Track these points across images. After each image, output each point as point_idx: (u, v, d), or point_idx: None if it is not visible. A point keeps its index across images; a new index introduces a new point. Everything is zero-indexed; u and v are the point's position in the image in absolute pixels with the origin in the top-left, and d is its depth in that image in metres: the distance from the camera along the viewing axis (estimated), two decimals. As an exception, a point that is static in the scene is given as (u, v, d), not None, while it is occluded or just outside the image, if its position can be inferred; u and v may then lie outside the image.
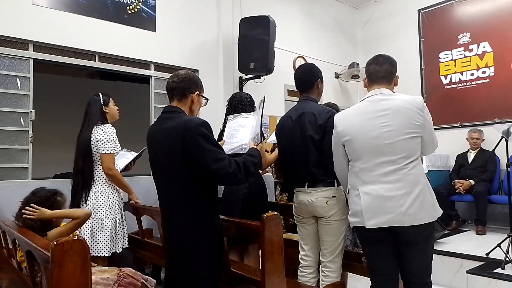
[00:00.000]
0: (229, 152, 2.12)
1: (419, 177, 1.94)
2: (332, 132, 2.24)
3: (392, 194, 1.91)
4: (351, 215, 2.09)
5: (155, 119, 2.21)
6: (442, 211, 2.04)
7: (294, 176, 2.51)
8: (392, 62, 2.13)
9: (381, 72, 2.09)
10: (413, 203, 1.89)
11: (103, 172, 2.83)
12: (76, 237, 1.39)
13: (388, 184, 1.93)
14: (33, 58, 3.45)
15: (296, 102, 2.59)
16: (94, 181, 2.82)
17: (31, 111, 3.39)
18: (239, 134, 2.26)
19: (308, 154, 2.35)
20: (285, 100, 5.54)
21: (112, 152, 2.82)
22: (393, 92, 2.15)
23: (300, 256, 2.53)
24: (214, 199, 1.96)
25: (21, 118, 3.36)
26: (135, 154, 3.33)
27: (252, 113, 2.41)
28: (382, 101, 2.01)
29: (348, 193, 2.13)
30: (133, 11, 4.07)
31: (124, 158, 3.26)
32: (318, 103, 2.56)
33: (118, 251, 2.85)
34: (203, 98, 2.09)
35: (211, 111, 3.50)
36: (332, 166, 2.27)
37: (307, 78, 2.53)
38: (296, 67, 5.59)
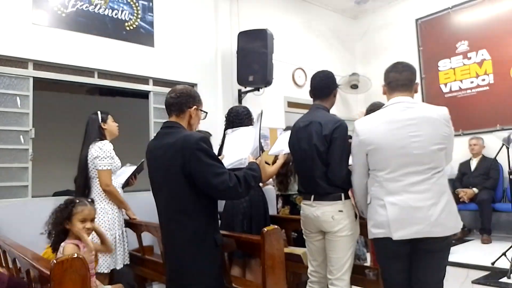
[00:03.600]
0: (229, 167, 2.10)
1: (444, 187, 1.91)
2: (338, 143, 2.20)
3: (420, 204, 1.86)
4: (373, 226, 2.00)
5: (154, 134, 2.20)
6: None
7: (302, 187, 2.44)
8: (412, 69, 2.09)
9: (401, 80, 2.04)
10: (441, 213, 1.85)
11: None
12: (76, 255, 1.38)
13: (416, 194, 1.88)
14: (33, 77, 3.47)
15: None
16: (92, 197, 2.80)
17: (31, 129, 3.39)
18: (238, 148, 2.24)
19: (314, 166, 2.27)
20: (285, 112, 5.51)
21: (109, 168, 2.83)
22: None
23: (308, 272, 2.45)
24: (214, 214, 1.94)
25: (21, 136, 3.37)
26: (135, 167, 3.32)
27: (250, 127, 2.39)
28: (408, 109, 1.96)
29: (369, 203, 2.05)
30: (131, 27, 4.10)
31: (124, 173, 3.26)
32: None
33: (118, 268, 2.82)
34: (202, 112, 2.08)
35: (210, 124, 3.50)
36: (337, 181, 2.22)
37: (327, 84, 2.43)
38: (295, 79, 5.73)
